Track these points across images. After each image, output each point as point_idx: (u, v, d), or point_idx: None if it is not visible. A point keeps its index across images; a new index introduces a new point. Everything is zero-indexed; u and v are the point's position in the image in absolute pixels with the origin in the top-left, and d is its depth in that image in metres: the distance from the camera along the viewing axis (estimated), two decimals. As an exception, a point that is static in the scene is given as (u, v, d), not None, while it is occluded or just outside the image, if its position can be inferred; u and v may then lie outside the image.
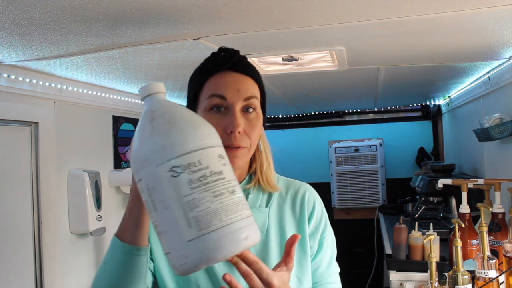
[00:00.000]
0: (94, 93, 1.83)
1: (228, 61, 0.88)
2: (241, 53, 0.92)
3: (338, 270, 1.05)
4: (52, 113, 1.64)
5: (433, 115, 3.69)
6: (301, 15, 1.05)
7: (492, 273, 1.46)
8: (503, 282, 1.49)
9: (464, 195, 1.75)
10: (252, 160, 0.98)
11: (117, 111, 2.09)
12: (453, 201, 2.54)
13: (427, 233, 1.69)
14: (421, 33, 1.29)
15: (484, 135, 1.93)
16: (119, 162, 2.11)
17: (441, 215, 2.68)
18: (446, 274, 1.53)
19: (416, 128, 3.85)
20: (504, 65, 1.80)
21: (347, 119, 4.01)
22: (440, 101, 3.44)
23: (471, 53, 1.60)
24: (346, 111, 3.94)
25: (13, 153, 1.47)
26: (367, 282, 3.65)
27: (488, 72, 2.01)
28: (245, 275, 0.70)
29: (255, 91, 0.90)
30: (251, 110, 0.88)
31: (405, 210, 3.23)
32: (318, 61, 1.63)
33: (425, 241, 1.73)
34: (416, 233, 1.85)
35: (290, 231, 0.97)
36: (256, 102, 0.90)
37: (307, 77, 2.02)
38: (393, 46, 1.44)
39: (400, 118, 3.91)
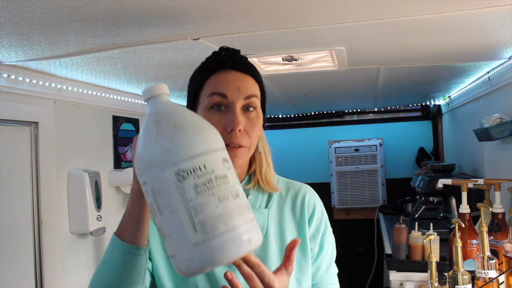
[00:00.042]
0: (94, 93, 1.83)
1: (229, 60, 0.88)
2: (241, 53, 0.92)
3: (337, 270, 1.05)
4: (52, 113, 1.64)
5: (433, 115, 3.70)
6: (301, 15, 1.05)
7: (492, 273, 1.46)
8: (503, 282, 1.49)
9: (464, 195, 1.75)
10: (252, 161, 0.98)
11: (117, 111, 2.09)
12: (453, 201, 2.54)
13: (427, 233, 1.69)
14: (421, 33, 1.29)
15: (484, 135, 1.93)
16: (119, 162, 2.11)
17: (441, 215, 2.68)
18: (446, 274, 1.53)
19: (416, 128, 3.85)
20: (504, 65, 1.80)
21: (347, 119, 4.01)
22: (440, 101, 3.44)
23: (471, 53, 1.60)
24: (346, 111, 3.94)
25: (13, 153, 1.47)
26: (367, 282, 3.65)
27: (488, 72, 2.01)
28: (247, 277, 0.70)
29: (256, 90, 0.90)
30: (251, 109, 0.88)
31: (405, 210, 3.23)
32: (318, 61, 1.63)
33: (425, 241, 1.73)
34: (416, 233, 1.85)
35: (289, 232, 0.97)
36: (257, 101, 0.90)
37: (307, 77, 2.02)
38: (393, 46, 1.44)
39: (400, 118, 3.91)
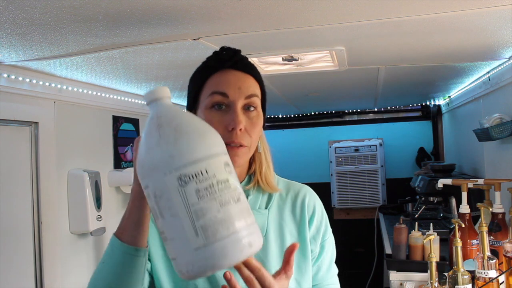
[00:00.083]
0: (94, 93, 1.83)
1: (230, 59, 0.89)
2: (241, 53, 0.92)
3: (337, 271, 1.05)
4: (52, 113, 1.64)
5: (433, 115, 3.70)
6: (301, 15, 1.05)
7: (492, 273, 1.46)
8: (503, 282, 1.49)
9: (464, 195, 1.75)
10: (252, 161, 0.98)
11: (117, 111, 2.09)
12: (453, 201, 2.54)
13: (427, 233, 1.69)
14: (421, 33, 1.29)
15: (484, 135, 1.93)
16: (119, 162, 2.11)
17: (441, 215, 2.68)
18: (446, 274, 1.53)
19: (416, 128, 3.85)
20: (504, 65, 1.80)
21: (347, 119, 4.01)
22: (440, 101, 3.44)
23: (471, 53, 1.60)
24: (346, 111, 3.94)
25: (13, 153, 1.47)
26: (367, 282, 3.65)
27: (488, 72, 2.01)
28: (247, 281, 0.70)
29: (256, 90, 0.90)
30: (252, 108, 0.88)
31: (405, 210, 3.23)
32: (318, 61, 1.63)
33: (425, 241, 1.73)
34: (416, 233, 1.85)
35: (289, 233, 0.97)
36: (257, 101, 0.90)
37: (307, 77, 2.02)
38: (393, 46, 1.44)
39: (400, 118, 3.91)
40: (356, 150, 3.77)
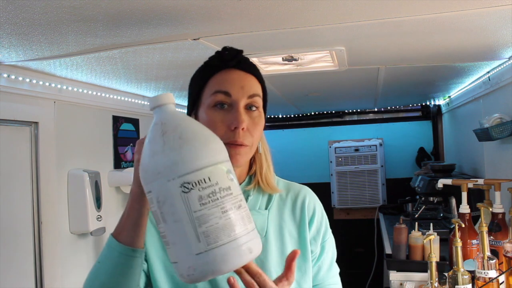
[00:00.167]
0: (94, 93, 1.83)
1: (233, 58, 0.89)
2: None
3: (338, 270, 1.05)
4: (52, 113, 1.64)
5: (433, 115, 3.70)
6: (301, 15, 1.05)
7: (492, 273, 1.46)
8: (503, 282, 1.49)
9: (464, 195, 1.75)
10: (252, 162, 0.98)
11: (117, 111, 2.09)
12: (453, 201, 2.54)
13: (427, 233, 1.69)
14: (421, 33, 1.29)
15: (484, 135, 1.93)
16: (119, 162, 2.11)
17: (441, 215, 2.68)
18: (446, 274, 1.53)
19: (416, 128, 3.85)
20: (504, 65, 1.80)
21: (347, 119, 4.01)
22: (440, 101, 3.44)
23: (471, 53, 1.60)
24: (346, 111, 3.94)
25: (13, 153, 1.47)
26: (367, 282, 3.65)
27: (488, 72, 2.01)
28: (247, 286, 0.71)
29: (259, 90, 0.90)
30: (254, 108, 0.88)
31: (405, 210, 3.23)
32: (318, 61, 1.63)
33: (425, 241, 1.73)
34: (416, 233, 1.85)
35: (289, 234, 0.97)
36: (259, 101, 0.90)
37: (307, 77, 2.02)
38: (393, 46, 1.44)
39: (400, 118, 3.91)
40: (356, 150, 3.77)
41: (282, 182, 1.05)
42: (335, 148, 3.81)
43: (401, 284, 1.84)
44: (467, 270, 1.48)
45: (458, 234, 1.51)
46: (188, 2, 0.91)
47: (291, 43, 1.35)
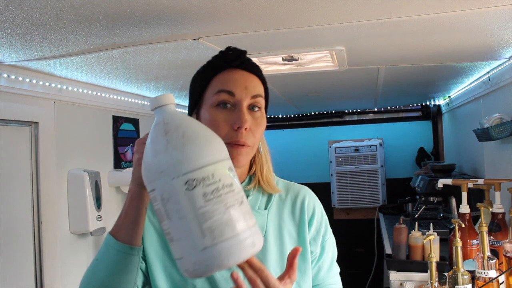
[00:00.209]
0: (94, 93, 1.83)
1: (236, 59, 0.89)
2: (244, 53, 0.93)
3: (338, 270, 1.05)
4: (52, 113, 1.64)
5: (433, 115, 3.70)
6: (301, 15, 1.05)
7: (492, 273, 1.46)
8: (503, 282, 1.49)
9: (464, 195, 1.75)
10: (252, 162, 0.98)
11: (117, 111, 2.09)
12: (453, 201, 2.54)
13: (427, 233, 1.69)
14: (421, 33, 1.29)
15: (484, 135, 1.93)
16: (119, 162, 2.11)
17: (441, 215, 2.68)
18: (446, 274, 1.53)
19: (416, 128, 3.85)
20: (504, 65, 1.80)
21: (347, 119, 4.01)
22: (440, 101, 3.44)
23: (471, 53, 1.60)
24: (346, 111, 3.94)
25: (13, 153, 1.47)
26: (367, 282, 3.65)
27: (488, 72, 2.01)
28: (251, 281, 0.71)
29: (261, 90, 0.91)
30: (256, 108, 0.89)
31: (405, 210, 3.23)
32: (318, 61, 1.63)
33: (425, 241, 1.73)
34: (416, 233, 1.85)
35: (288, 234, 0.97)
36: (262, 102, 0.90)
37: (307, 77, 2.02)
38: (393, 46, 1.44)
39: (400, 118, 3.92)
40: (356, 150, 3.77)
41: (281, 182, 1.05)
42: (335, 148, 3.81)
43: (401, 284, 1.84)
44: (467, 270, 1.48)
45: (458, 234, 1.51)
46: (188, 2, 0.91)
47: (291, 43, 1.35)
